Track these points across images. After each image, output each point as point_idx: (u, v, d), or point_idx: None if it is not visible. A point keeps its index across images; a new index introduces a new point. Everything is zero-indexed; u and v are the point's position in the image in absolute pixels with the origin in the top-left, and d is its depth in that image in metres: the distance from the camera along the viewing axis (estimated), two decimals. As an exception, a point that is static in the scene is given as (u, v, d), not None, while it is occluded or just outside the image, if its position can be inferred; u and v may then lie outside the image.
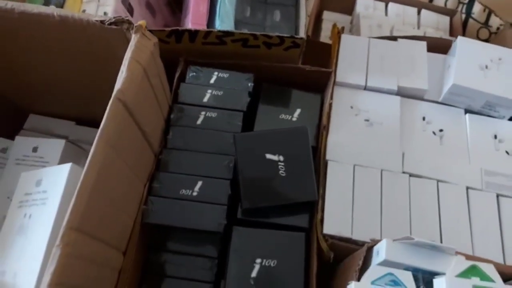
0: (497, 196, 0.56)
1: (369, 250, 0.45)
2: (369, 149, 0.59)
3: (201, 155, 0.58)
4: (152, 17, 0.87)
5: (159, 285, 0.57)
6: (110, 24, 0.47)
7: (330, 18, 1.03)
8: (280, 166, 0.55)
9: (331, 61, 0.68)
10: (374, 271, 0.40)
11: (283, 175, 0.55)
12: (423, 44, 0.70)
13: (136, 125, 0.48)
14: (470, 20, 1.08)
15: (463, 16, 1.08)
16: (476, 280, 0.38)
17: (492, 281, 0.39)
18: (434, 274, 0.40)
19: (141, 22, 0.48)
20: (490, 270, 0.40)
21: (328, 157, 0.58)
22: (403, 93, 0.66)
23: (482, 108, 0.64)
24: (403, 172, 0.57)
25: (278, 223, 0.56)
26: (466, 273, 0.39)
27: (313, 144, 0.61)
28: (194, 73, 0.64)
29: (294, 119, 0.64)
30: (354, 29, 1.00)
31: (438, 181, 0.57)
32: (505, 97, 0.60)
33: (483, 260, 0.41)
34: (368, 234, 0.52)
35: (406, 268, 0.41)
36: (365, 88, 0.66)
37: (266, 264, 0.53)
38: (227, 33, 0.61)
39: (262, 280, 0.53)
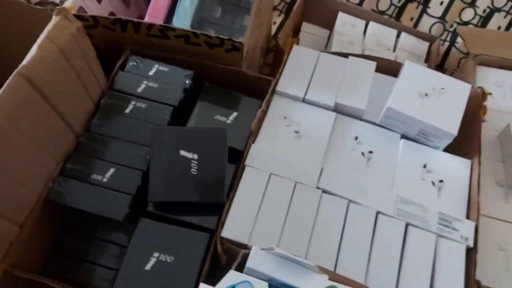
0: (407, 225, 0.55)
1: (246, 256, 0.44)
2: (290, 161, 0.59)
3: (121, 143, 0.58)
4: (125, 7, 0.88)
5: (64, 265, 0.58)
6: (36, 4, 0.49)
7: (308, 30, 1.03)
8: (192, 164, 0.56)
9: (278, 70, 0.69)
10: (231, 276, 0.40)
11: (194, 173, 0.55)
12: (372, 64, 0.69)
13: (47, 103, 0.49)
14: (453, 49, 1.07)
15: (447, 44, 1.07)
16: (331, 301, 0.38)
17: (349, 304, 0.38)
18: (294, 289, 0.40)
19: (67, 6, 0.49)
20: (349, 293, 0.39)
21: (247, 162, 0.58)
22: (341, 110, 0.65)
23: (417, 135, 0.63)
24: (317, 188, 0.57)
25: (186, 221, 0.56)
26: (324, 293, 0.39)
27: (242, 148, 0.61)
28: (135, 63, 0.65)
29: (228, 121, 0.65)
30: (329, 44, 1.00)
31: (350, 201, 0.56)
32: (438, 127, 0.59)
33: (347, 283, 0.40)
34: (265, 243, 0.51)
35: (270, 279, 0.41)
36: (303, 100, 0.66)
37: (163, 259, 0.54)
38: (168, 28, 0.62)
39: (154, 274, 0.53)
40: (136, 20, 0.62)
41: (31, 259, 0.55)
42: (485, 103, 0.66)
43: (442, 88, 0.63)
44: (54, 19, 0.48)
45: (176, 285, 0.52)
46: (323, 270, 0.41)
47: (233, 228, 0.53)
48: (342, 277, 0.41)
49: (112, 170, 0.56)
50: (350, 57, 0.70)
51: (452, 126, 0.59)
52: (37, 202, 0.53)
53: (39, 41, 0.46)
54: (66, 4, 0.68)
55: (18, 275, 0.51)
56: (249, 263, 0.41)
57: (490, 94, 0.67)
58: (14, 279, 0.51)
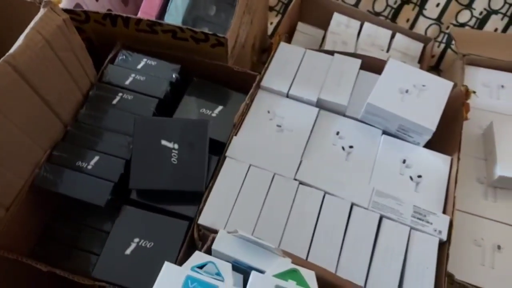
0: (381, 217, 0.56)
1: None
2: (271, 153, 0.60)
3: (107, 133, 0.61)
4: (123, 5, 0.91)
5: (52, 250, 0.60)
6: (25, -4, 0.51)
7: (303, 30, 1.05)
8: (173, 154, 0.58)
9: (265, 65, 0.70)
10: (196, 257, 0.41)
11: (175, 162, 0.57)
12: (357, 61, 0.70)
13: (33, 91, 0.52)
14: (449, 51, 1.08)
15: (443, 45, 1.08)
16: (291, 284, 0.39)
17: (308, 287, 0.39)
18: (258, 271, 0.41)
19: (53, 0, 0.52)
20: (310, 277, 0.40)
21: (228, 153, 0.60)
22: (323, 106, 0.67)
23: (397, 131, 0.64)
24: (295, 179, 0.58)
25: (167, 210, 0.58)
26: (285, 275, 0.40)
27: (225, 140, 0.63)
28: (124, 57, 0.67)
29: (214, 114, 0.66)
30: (322, 44, 1.01)
31: (326, 193, 0.57)
32: (417, 123, 0.60)
33: (309, 266, 0.41)
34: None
35: (235, 261, 0.42)
36: (287, 95, 0.67)
37: (143, 244, 0.56)
38: (156, 23, 0.64)
39: (134, 258, 0.55)
40: (125, 15, 0.64)
41: (18, 243, 0.57)
42: (468, 101, 0.66)
43: (423, 85, 0.64)
44: (42, 11, 0.51)
45: (154, 269, 0.54)
46: (286, 254, 0.42)
47: (210, 215, 0.55)
48: (305, 261, 0.43)
49: (96, 158, 0.58)
50: (335, 54, 0.71)
51: (430, 122, 0.60)
52: (24, 187, 0.55)
53: (26, 31, 0.49)
54: (64, 1, 0.71)
55: (4, 256, 0.53)
56: (215, 246, 0.42)
57: (474, 92, 0.68)
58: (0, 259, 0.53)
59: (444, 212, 0.58)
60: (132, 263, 0.54)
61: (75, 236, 0.62)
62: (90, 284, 0.51)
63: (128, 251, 0.55)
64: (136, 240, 0.56)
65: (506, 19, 1.05)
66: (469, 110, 0.66)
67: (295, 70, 0.69)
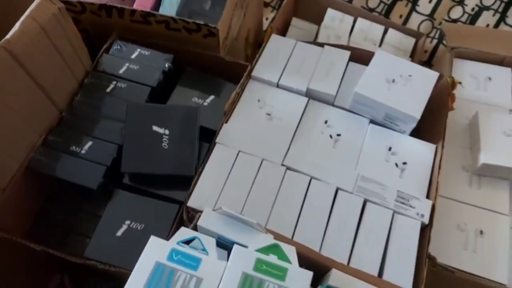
0: (366, 201, 0.57)
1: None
2: (260, 140, 0.62)
3: (100, 119, 0.63)
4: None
5: (46, 232, 0.62)
6: (21, -15, 0.53)
7: (297, 25, 1.06)
8: (164, 139, 0.59)
9: (256, 56, 0.72)
10: (181, 232, 0.43)
11: (166, 147, 0.59)
12: (347, 53, 0.72)
13: (29, 76, 0.54)
14: (441, 46, 1.09)
15: (435, 41, 1.10)
16: (273, 258, 0.41)
17: (289, 262, 0.41)
18: (241, 246, 0.43)
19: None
20: (290, 252, 0.42)
21: (218, 140, 0.62)
22: (313, 96, 0.68)
23: (384, 120, 0.65)
24: (282, 165, 0.60)
25: (158, 194, 0.60)
26: (266, 250, 0.42)
27: (216, 128, 0.65)
28: (119, 47, 0.69)
29: (205, 103, 0.68)
30: (316, 38, 1.03)
31: (312, 177, 0.59)
32: (402, 111, 0.62)
33: (290, 243, 0.43)
34: (228, 213, 0.54)
35: (219, 237, 0.44)
36: (277, 85, 0.69)
37: (134, 226, 0.57)
38: (149, 14, 0.66)
39: (125, 239, 0.57)
40: (119, 6, 0.66)
41: (14, 224, 0.59)
42: (454, 91, 0.68)
43: (410, 75, 0.65)
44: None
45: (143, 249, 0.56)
46: (271, 232, 0.43)
47: (199, 198, 0.56)
48: (289, 239, 0.44)
49: (90, 143, 0.60)
50: (325, 46, 0.73)
51: (415, 110, 0.61)
52: (19, 170, 0.57)
53: (22, 18, 0.51)
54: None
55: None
56: (200, 222, 0.44)
57: (460, 83, 0.69)
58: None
59: (427, 197, 0.59)
60: (122, 244, 0.56)
61: (70, 220, 0.63)
62: (81, 263, 0.53)
63: (119, 233, 0.57)
64: (127, 222, 0.58)
65: (497, 15, 1.06)
66: (454, 100, 0.67)
67: (285, 60, 0.71)
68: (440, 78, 0.67)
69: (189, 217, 0.55)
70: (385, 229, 0.55)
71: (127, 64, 0.67)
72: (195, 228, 0.46)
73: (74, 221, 0.63)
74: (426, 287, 0.51)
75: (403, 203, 0.57)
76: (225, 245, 0.44)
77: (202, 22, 0.65)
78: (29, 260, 0.59)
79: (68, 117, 0.62)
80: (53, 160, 0.59)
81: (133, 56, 0.68)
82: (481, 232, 0.60)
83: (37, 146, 0.59)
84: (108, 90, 0.65)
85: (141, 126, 0.59)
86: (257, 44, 1.03)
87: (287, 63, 0.71)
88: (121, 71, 0.66)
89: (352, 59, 0.72)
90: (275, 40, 0.74)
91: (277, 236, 0.44)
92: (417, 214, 0.56)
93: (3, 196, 0.55)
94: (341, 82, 0.69)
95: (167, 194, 0.60)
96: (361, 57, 0.72)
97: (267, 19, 1.16)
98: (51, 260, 0.63)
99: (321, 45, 0.74)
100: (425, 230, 0.56)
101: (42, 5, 0.53)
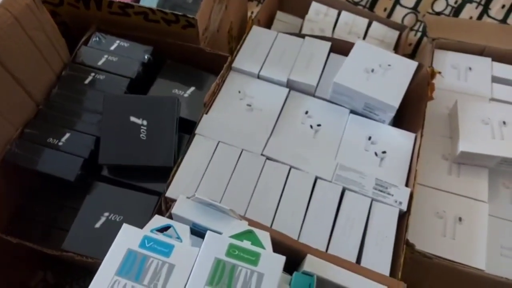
0: (344, 189, 0.57)
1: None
2: (240, 131, 0.62)
3: (78, 111, 0.62)
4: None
5: (25, 227, 0.62)
6: (-6, -25, 0.53)
7: (282, 18, 1.06)
8: (142, 130, 0.59)
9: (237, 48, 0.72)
10: (155, 220, 0.43)
11: (144, 138, 0.59)
12: (327, 44, 0.72)
13: (3, 68, 0.53)
14: (425, 39, 1.10)
15: (419, 34, 1.10)
16: (246, 243, 0.40)
17: (263, 247, 0.41)
18: (216, 232, 0.42)
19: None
20: (264, 237, 0.42)
21: (197, 131, 0.61)
22: (293, 87, 0.68)
23: (363, 109, 0.66)
24: (262, 155, 0.60)
25: (137, 185, 0.60)
26: (240, 236, 0.42)
27: (197, 120, 0.64)
28: (98, 39, 0.68)
29: (186, 95, 0.68)
30: (300, 32, 1.03)
31: (291, 167, 0.59)
32: (381, 100, 0.62)
33: (264, 229, 0.43)
34: (206, 203, 0.54)
35: (194, 224, 0.44)
36: (258, 76, 0.69)
37: (112, 218, 0.57)
38: (127, 5, 0.66)
39: (103, 230, 0.56)
40: (97, -3, 0.65)
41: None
42: (433, 81, 0.68)
43: (389, 65, 0.66)
44: (10, -11, 0.52)
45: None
46: (243, 218, 0.43)
47: (177, 189, 0.56)
48: (266, 226, 0.44)
49: (67, 135, 0.59)
50: (306, 37, 0.73)
51: (394, 99, 0.62)
52: (-4, 163, 0.56)
53: (-6, 8, 0.50)
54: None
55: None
56: (174, 210, 0.44)
57: (440, 73, 0.70)
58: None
59: (406, 185, 0.59)
60: (100, 236, 0.56)
61: (49, 214, 0.63)
62: (58, 254, 0.52)
63: (97, 225, 0.57)
64: (106, 214, 0.57)
65: (480, 8, 1.07)
66: (434, 90, 0.68)
67: (266, 52, 0.71)
68: (420, 68, 0.67)
69: (167, 208, 0.55)
70: (363, 216, 0.55)
71: (106, 56, 0.66)
72: (170, 217, 0.46)
73: (54, 215, 0.63)
74: (405, 273, 0.52)
75: (381, 191, 0.57)
76: (200, 233, 0.44)
77: (180, 13, 0.64)
78: (8, 256, 0.59)
79: (45, 110, 0.62)
80: (30, 153, 0.58)
81: (112, 48, 0.68)
82: (460, 219, 0.60)
83: (14, 139, 0.58)
84: (87, 82, 0.64)
85: (119, 117, 0.59)
86: (240, 37, 1.03)
87: (267, 54, 0.71)
88: (99, 63, 0.66)
89: (333, 50, 0.73)
90: (256, 31, 0.74)
91: (251, 223, 0.44)
92: (395, 201, 0.56)
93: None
94: (322, 73, 0.69)
95: (146, 185, 0.60)
96: (342, 48, 0.72)
97: (252, 13, 1.15)
98: (32, 256, 0.63)
99: (302, 36, 0.74)
100: (403, 218, 0.56)
101: (15, -5, 0.52)
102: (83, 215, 0.57)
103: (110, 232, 0.55)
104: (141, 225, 0.56)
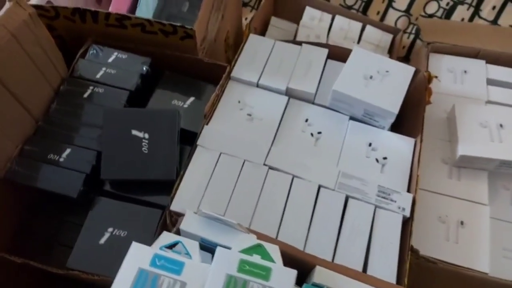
0: (347, 197, 0.58)
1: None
2: (241, 141, 0.62)
3: (78, 126, 0.62)
4: (96, 3, 0.92)
5: (28, 245, 0.61)
6: (-10, -9, 0.52)
7: (277, 24, 1.06)
8: (144, 143, 0.59)
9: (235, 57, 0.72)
10: (164, 237, 0.42)
11: (146, 152, 0.58)
12: (324, 51, 0.72)
13: (2, 85, 0.52)
14: (418, 41, 1.11)
15: (412, 36, 1.11)
16: (256, 258, 0.40)
17: (273, 261, 0.41)
18: (225, 247, 0.42)
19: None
20: (274, 251, 0.42)
21: (199, 142, 0.61)
22: (292, 95, 0.69)
23: (363, 116, 0.66)
24: (264, 165, 0.60)
25: (140, 199, 0.60)
26: (250, 250, 0.42)
27: (197, 130, 0.64)
28: (95, 51, 0.68)
29: (185, 106, 0.68)
30: (295, 38, 1.03)
31: (294, 176, 0.59)
32: (380, 106, 0.62)
33: (273, 242, 0.43)
34: (211, 215, 0.54)
35: (202, 240, 0.43)
36: (257, 85, 0.69)
37: (117, 233, 0.57)
38: (124, 17, 0.65)
39: (108, 247, 0.56)
40: (93, 9, 0.65)
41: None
42: (430, 85, 0.69)
43: (387, 71, 0.66)
44: (7, 5, 0.51)
45: (127, 257, 0.55)
46: (254, 233, 0.43)
47: (182, 202, 0.56)
48: (273, 239, 0.44)
49: (68, 151, 0.59)
50: (303, 44, 0.73)
51: (393, 105, 0.62)
52: (-2, 182, 0.55)
53: (-9, 25, 0.49)
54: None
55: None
56: (182, 226, 0.44)
57: (436, 77, 0.70)
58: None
59: (408, 191, 0.60)
60: (106, 252, 0.55)
61: (52, 231, 0.62)
62: (63, 273, 0.52)
63: (102, 241, 0.56)
64: (110, 229, 0.57)
65: (471, 9, 1.08)
66: (431, 94, 0.68)
67: (264, 60, 0.71)
68: (416, 73, 0.68)
69: (172, 222, 0.55)
70: (367, 224, 0.55)
71: (104, 69, 0.66)
72: (177, 232, 0.46)
73: (56, 232, 0.62)
74: (410, 279, 0.52)
75: (384, 198, 0.57)
76: (209, 248, 0.44)
77: (178, 24, 0.64)
78: (11, 276, 0.58)
79: (44, 126, 0.61)
80: (31, 170, 0.57)
81: (110, 60, 0.67)
82: (462, 223, 0.61)
83: (14, 156, 0.57)
84: (85, 96, 0.64)
85: (120, 131, 0.59)
86: (237, 45, 1.03)
87: (266, 63, 0.71)
88: (98, 76, 0.65)
89: (330, 56, 0.73)
90: (253, 40, 0.74)
91: (259, 236, 0.44)
92: (398, 207, 0.57)
93: (-20, 209, 0.54)
94: (320, 80, 0.70)
95: (149, 199, 0.59)
96: (339, 54, 0.73)
97: (246, 19, 1.16)
98: (36, 274, 0.62)
99: (299, 43, 0.74)
100: (407, 223, 0.56)
101: (11, 12, 0.52)
102: (87, 232, 0.57)
103: (115, 248, 0.56)
104: (146, 240, 0.56)
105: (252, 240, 0.43)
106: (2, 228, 0.59)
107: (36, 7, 0.60)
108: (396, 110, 0.62)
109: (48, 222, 0.63)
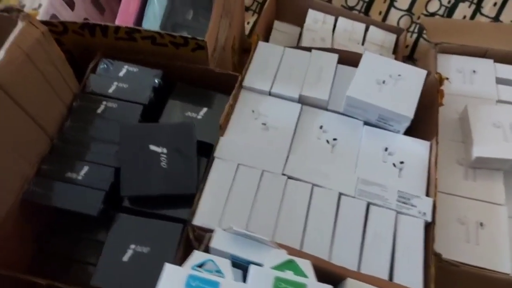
0: (368, 204, 0.58)
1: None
2: (258, 151, 0.62)
3: (94, 142, 0.61)
4: (99, 14, 0.91)
5: (48, 264, 0.61)
6: (2, 11, 0.51)
7: (280, 28, 1.06)
8: (162, 158, 0.58)
9: (245, 66, 0.71)
10: (196, 256, 0.42)
11: (165, 167, 0.58)
12: (335, 56, 0.72)
13: (17, 105, 0.52)
14: (421, 40, 1.11)
15: (415, 35, 1.11)
16: (289, 274, 0.40)
17: (306, 276, 0.41)
18: (256, 264, 0.42)
19: (30, 12, 0.52)
20: (306, 266, 0.42)
21: (216, 154, 0.61)
22: (305, 102, 0.68)
23: (377, 121, 0.66)
24: (283, 174, 0.60)
25: (160, 214, 0.59)
26: (282, 266, 0.42)
27: (213, 141, 0.64)
28: (105, 66, 0.67)
29: (199, 117, 0.67)
30: (300, 42, 1.03)
31: (313, 185, 0.59)
32: (395, 111, 0.63)
33: (305, 256, 0.43)
34: (233, 228, 0.54)
35: (233, 257, 0.43)
36: (270, 93, 0.69)
37: (139, 250, 0.56)
38: (134, 30, 0.65)
39: (131, 264, 0.55)
40: (103, 23, 0.64)
41: (14, 259, 0.57)
42: (442, 87, 0.69)
43: (399, 75, 0.66)
44: (20, 24, 0.51)
45: (153, 273, 0.54)
46: (281, 246, 0.43)
47: (203, 216, 0.56)
48: (300, 251, 0.44)
49: (86, 168, 0.58)
50: (313, 50, 0.73)
51: (408, 110, 0.62)
52: (15, 203, 0.55)
53: (6, 46, 0.49)
54: (40, 12, 0.70)
55: (1, 273, 0.53)
56: (213, 244, 0.43)
57: (447, 79, 0.70)
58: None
59: (427, 194, 0.60)
60: (130, 269, 0.55)
61: (71, 249, 0.62)
62: (90, 293, 0.51)
63: (125, 258, 0.56)
64: (132, 246, 0.56)
65: (473, 7, 1.08)
66: (443, 96, 0.69)
67: (275, 68, 0.71)
68: (427, 75, 0.68)
69: (195, 236, 0.55)
70: (390, 230, 0.56)
71: (115, 83, 0.65)
72: (206, 249, 0.46)
73: (76, 250, 0.61)
74: (435, 283, 0.52)
75: (404, 203, 0.58)
76: (239, 264, 0.44)
77: (189, 36, 0.64)
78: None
79: (59, 144, 0.60)
80: (49, 189, 0.57)
81: (121, 74, 0.67)
82: (481, 224, 0.61)
83: (31, 176, 0.57)
84: (99, 111, 0.63)
85: (137, 146, 0.58)
86: (241, 50, 1.03)
87: (277, 70, 0.71)
88: (110, 91, 0.65)
89: (339, 61, 0.73)
90: (262, 47, 0.74)
91: (290, 251, 0.43)
92: (419, 212, 0.57)
93: (1, 232, 0.53)
94: (332, 86, 0.69)
95: (169, 213, 0.59)
96: (348, 58, 0.73)
97: (248, 23, 1.15)
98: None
99: (308, 49, 0.74)
100: (429, 228, 0.57)
101: (25, 31, 0.51)
102: (109, 249, 0.56)
103: (139, 265, 0.55)
104: (169, 255, 0.56)
105: (283, 256, 0.42)
106: (23, 249, 0.59)
107: (44, 23, 0.60)
108: (411, 114, 0.62)
109: (64, 240, 0.62)
